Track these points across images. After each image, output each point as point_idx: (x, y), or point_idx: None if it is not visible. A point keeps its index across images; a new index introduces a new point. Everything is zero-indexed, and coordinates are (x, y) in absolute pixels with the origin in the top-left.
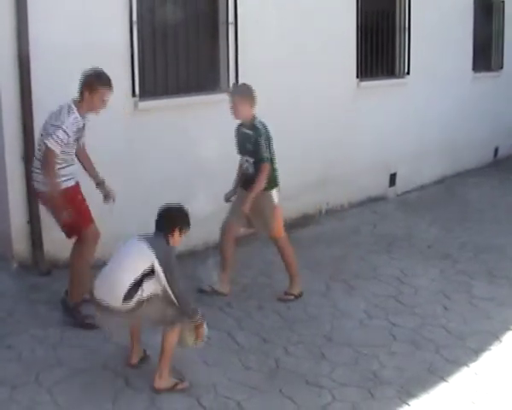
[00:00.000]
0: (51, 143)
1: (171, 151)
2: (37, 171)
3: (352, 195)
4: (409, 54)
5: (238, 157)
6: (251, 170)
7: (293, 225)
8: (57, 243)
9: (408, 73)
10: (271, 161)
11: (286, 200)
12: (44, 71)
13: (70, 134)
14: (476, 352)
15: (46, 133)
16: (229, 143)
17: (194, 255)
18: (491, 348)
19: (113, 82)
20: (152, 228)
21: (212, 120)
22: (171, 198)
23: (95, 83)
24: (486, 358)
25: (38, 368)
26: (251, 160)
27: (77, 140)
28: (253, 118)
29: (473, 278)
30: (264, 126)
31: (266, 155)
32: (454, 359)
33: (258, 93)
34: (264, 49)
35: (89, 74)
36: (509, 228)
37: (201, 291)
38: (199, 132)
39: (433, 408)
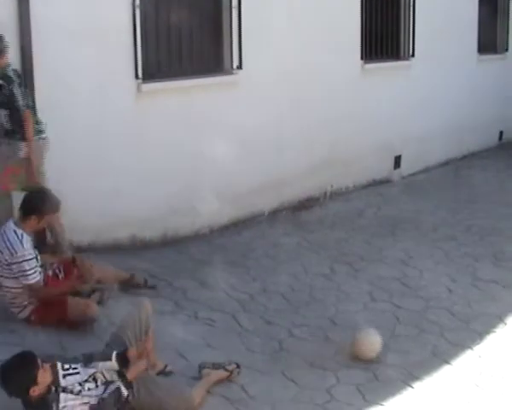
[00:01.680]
0: (32, 279)
1: (174, 134)
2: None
3: (357, 177)
4: (413, 36)
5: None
6: (7, 125)
7: (297, 208)
8: None
9: (413, 55)
10: (33, 109)
11: (290, 182)
12: (46, 53)
13: (31, 253)
14: (480, 335)
15: (15, 275)
16: (233, 125)
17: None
18: (496, 330)
19: (117, 64)
20: (159, 206)
21: (215, 102)
22: (174, 179)
23: (45, 210)
24: (491, 341)
25: None
26: (5, 112)
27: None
28: (6, 66)
29: (478, 261)
30: (18, 74)
31: (24, 102)
32: (458, 341)
33: (261, 76)
34: (268, 32)
35: (37, 199)
36: None
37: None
38: (202, 115)
39: (436, 391)
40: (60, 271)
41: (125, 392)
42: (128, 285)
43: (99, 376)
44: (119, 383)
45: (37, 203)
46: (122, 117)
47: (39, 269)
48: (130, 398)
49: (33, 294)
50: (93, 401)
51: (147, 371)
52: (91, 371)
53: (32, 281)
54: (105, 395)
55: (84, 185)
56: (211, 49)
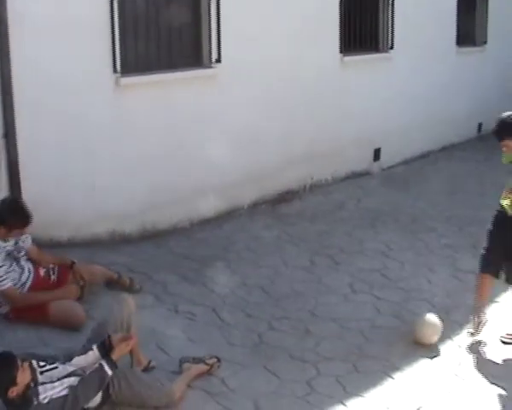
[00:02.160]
0: (1, 286)
1: (153, 127)
2: None
3: (337, 170)
4: (392, 28)
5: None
6: None
7: (277, 201)
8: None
9: (392, 47)
10: None
11: (270, 175)
12: (24, 45)
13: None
14: (460, 325)
15: None
16: (212, 118)
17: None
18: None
19: (95, 58)
20: (138, 200)
21: (194, 95)
22: (153, 173)
23: (13, 222)
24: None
25: None
26: None
27: (16, 259)
28: None
29: (457, 252)
30: None
31: None
32: None
33: (240, 69)
34: (247, 25)
35: (7, 210)
36: (494, 202)
37: None
38: (181, 108)
39: (417, 381)
40: (53, 272)
41: (108, 371)
42: (114, 285)
43: (79, 372)
44: (103, 362)
45: (6, 215)
46: (100, 111)
47: (15, 275)
48: (111, 390)
49: (7, 300)
50: (74, 382)
51: (131, 366)
52: (71, 368)
53: (2, 288)
54: (86, 375)
55: (63, 180)
56: (190, 43)
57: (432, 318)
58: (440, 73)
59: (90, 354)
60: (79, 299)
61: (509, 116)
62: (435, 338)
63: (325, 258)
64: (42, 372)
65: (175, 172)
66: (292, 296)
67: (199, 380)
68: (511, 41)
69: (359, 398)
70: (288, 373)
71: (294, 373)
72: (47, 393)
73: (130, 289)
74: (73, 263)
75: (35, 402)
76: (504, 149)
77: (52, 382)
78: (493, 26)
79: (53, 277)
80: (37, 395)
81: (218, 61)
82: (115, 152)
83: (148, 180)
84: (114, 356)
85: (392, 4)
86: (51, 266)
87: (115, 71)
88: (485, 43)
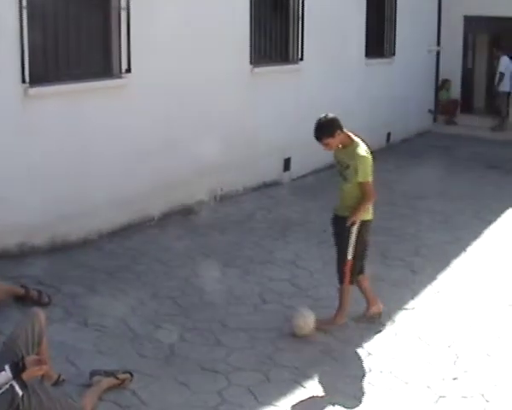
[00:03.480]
0: None
1: (62, 138)
2: None
3: (247, 180)
4: (302, 40)
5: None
6: None
7: (188, 212)
8: None
9: (301, 59)
10: None
11: (179, 186)
12: None
13: None
14: (369, 331)
15: None
16: (122, 129)
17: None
18: (385, 327)
19: (2, 68)
20: (48, 212)
21: (104, 106)
22: (62, 185)
23: None
24: (380, 337)
25: None
26: None
27: None
28: None
29: (366, 260)
30: None
31: None
32: (348, 339)
33: (150, 79)
34: (157, 35)
35: None
36: (403, 211)
37: None
38: (91, 119)
39: (327, 389)
40: None
41: (19, 391)
42: (23, 300)
43: None
44: (13, 382)
45: None
46: (8, 122)
47: None
48: (21, 407)
49: None
50: None
51: (42, 379)
52: None
53: None
54: None
55: None
56: (100, 53)
57: (304, 310)
58: (350, 84)
59: (2, 375)
60: None
61: (324, 117)
62: (310, 327)
63: (235, 268)
64: None
65: (83, 183)
66: (202, 307)
67: (110, 393)
68: (419, 52)
69: (271, 407)
70: (199, 384)
71: (206, 384)
72: None
73: (38, 302)
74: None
75: None
76: (325, 147)
77: None
78: (401, 39)
79: None
80: None
81: (128, 70)
82: (24, 163)
83: (56, 192)
84: (25, 377)
85: (302, 16)
86: None
87: (24, 81)
88: (393, 54)
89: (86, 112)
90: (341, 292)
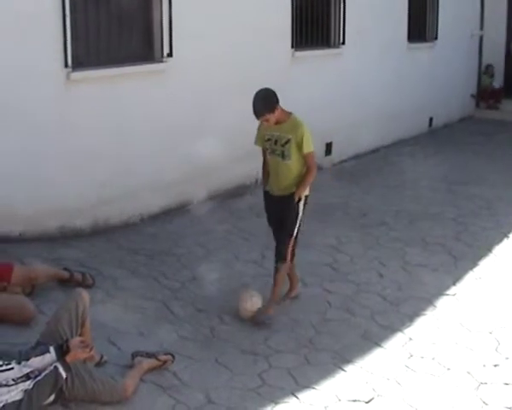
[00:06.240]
0: None
1: (103, 122)
2: None
3: None
4: (344, 24)
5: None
6: None
7: (228, 195)
8: None
9: (343, 43)
10: None
11: (220, 170)
12: None
13: None
14: (410, 317)
15: None
16: (163, 113)
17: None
18: (426, 313)
19: (45, 53)
20: (89, 195)
21: (145, 90)
22: (103, 170)
23: None
24: (421, 323)
25: None
26: None
27: None
28: None
29: (407, 245)
30: None
31: None
32: (388, 324)
33: (192, 64)
34: (199, 19)
35: None
36: (443, 197)
37: None
38: (132, 103)
39: (368, 373)
40: None
41: (63, 373)
42: (67, 283)
43: (35, 373)
44: (57, 364)
45: None
46: (51, 105)
47: None
48: (64, 387)
49: None
50: (29, 386)
51: (84, 362)
52: (27, 370)
53: None
54: (40, 378)
55: (13, 175)
56: (142, 37)
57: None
58: (391, 69)
59: (46, 357)
60: None
61: (263, 91)
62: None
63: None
64: None
65: (124, 167)
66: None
67: (151, 374)
68: (461, 37)
69: (311, 390)
70: (239, 366)
71: (246, 366)
72: (2, 397)
73: (82, 284)
74: (12, 266)
75: None
76: (265, 122)
77: (7, 385)
78: (444, 22)
79: None
80: None
81: (170, 55)
82: (66, 146)
83: (97, 175)
84: (69, 359)
85: (344, 0)
86: None
87: (66, 65)
88: (435, 38)
89: (127, 96)
90: (280, 270)
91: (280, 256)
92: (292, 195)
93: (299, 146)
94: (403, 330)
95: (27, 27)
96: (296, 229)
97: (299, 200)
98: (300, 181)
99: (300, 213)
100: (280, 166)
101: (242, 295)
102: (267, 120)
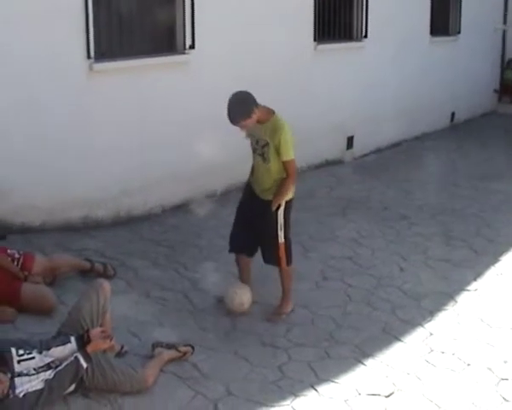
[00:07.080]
0: None
1: (125, 113)
2: None
3: (309, 158)
4: (366, 17)
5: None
6: None
7: None
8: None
9: (365, 36)
10: None
11: (242, 162)
12: None
13: None
14: (431, 312)
15: None
16: (185, 105)
17: (150, 218)
18: (447, 308)
19: (68, 44)
20: (111, 185)
21: (167, 81)
22: (126, 161)
23: None
24: (441, 318)
25: None
26: None
27: None
28: None
29: (429, 240)
30: None
31: None
32: (409, 319)
33: (214, 56)
34: (221, 11)
35: None
36: (465, 191)
37: None
38: (154, 94)
39: (388, 368)
40: (18, 263)
41: (84, 363)
42: (88, 273)
43: (56, 363)
44: (78, 354)
45: None
46: (73, 97)
47: None
48: (85, 377)
49: None
50: (50, 375)
51: (105, 352)
52: (48, 359)
53: None
54: (60, 368)
55: (35, 165)
56: (164, 28)
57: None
58: (414, 63)
59: (67, 347)
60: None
61: (236, 95)
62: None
63: (296, 245)
64: (19, 361)
65: (147, 158)
66: (263, 282)
67: (171, 365)
68: (484, 31)
69: (331, 383)
70: (259, 359)
71: (266, 359)
72: (23, 386)
73: (104, 275)
74: (32, 256)
75: (11, 396)
76: (242, 129)
77: (28, 374)
78: (467, 16)
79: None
80: (14, 388)
81: (192, 47)
82: (88, 137)
83: (120, 166)
84: (89, 349)
85: None
86: (16, 256)
87: (89, 57)
88: (458, 33)
89: (149, 87)
90: (282, 277)
91: (274, 263)
92: (270, 202)
93: (278, 152)
94: (423, 325)
95: (50, 19)
96: (282, 236)
97: (279, 207)
98: (278, 189)
99: (281, 220)
100: (260, 167)
101: (227, 294)
102: (244, 127)
